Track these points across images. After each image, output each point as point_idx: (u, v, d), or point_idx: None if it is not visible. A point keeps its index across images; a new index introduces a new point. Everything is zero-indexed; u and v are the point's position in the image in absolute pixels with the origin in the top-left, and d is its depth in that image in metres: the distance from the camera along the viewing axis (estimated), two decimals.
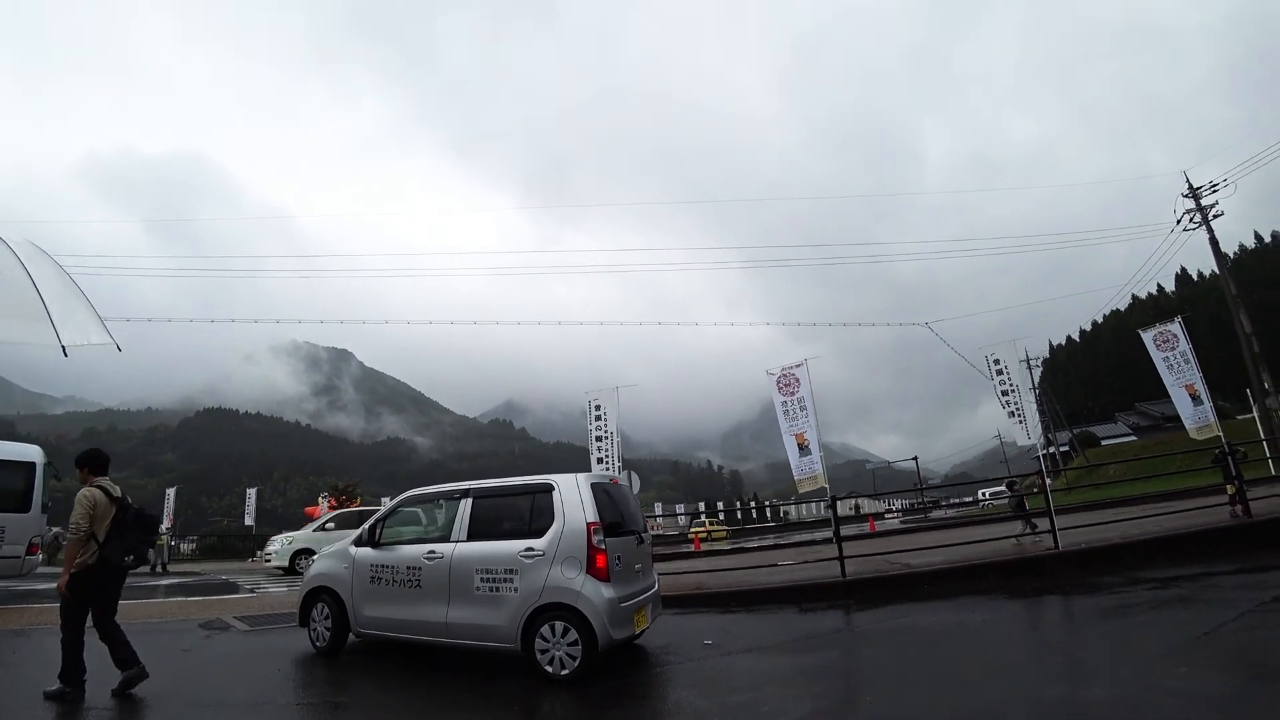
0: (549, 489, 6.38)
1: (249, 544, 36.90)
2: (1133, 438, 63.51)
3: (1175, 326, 13.58)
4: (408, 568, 6.70)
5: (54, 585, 5.87)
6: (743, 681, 5.78)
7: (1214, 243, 28.44)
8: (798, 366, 11.75)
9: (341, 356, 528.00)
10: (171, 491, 33.01)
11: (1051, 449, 60.76)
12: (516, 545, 6.17)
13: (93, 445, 6.52)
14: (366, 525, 7.41)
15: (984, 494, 55.77)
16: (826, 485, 11.26)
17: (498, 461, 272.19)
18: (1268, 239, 74.43)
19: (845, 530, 11.44)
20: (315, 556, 8.01)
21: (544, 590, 5.89)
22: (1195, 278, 74.68)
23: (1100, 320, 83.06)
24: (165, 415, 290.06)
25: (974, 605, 8.86)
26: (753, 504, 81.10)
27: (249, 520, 35.45)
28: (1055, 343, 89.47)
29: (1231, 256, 32.47)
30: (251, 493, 35.46)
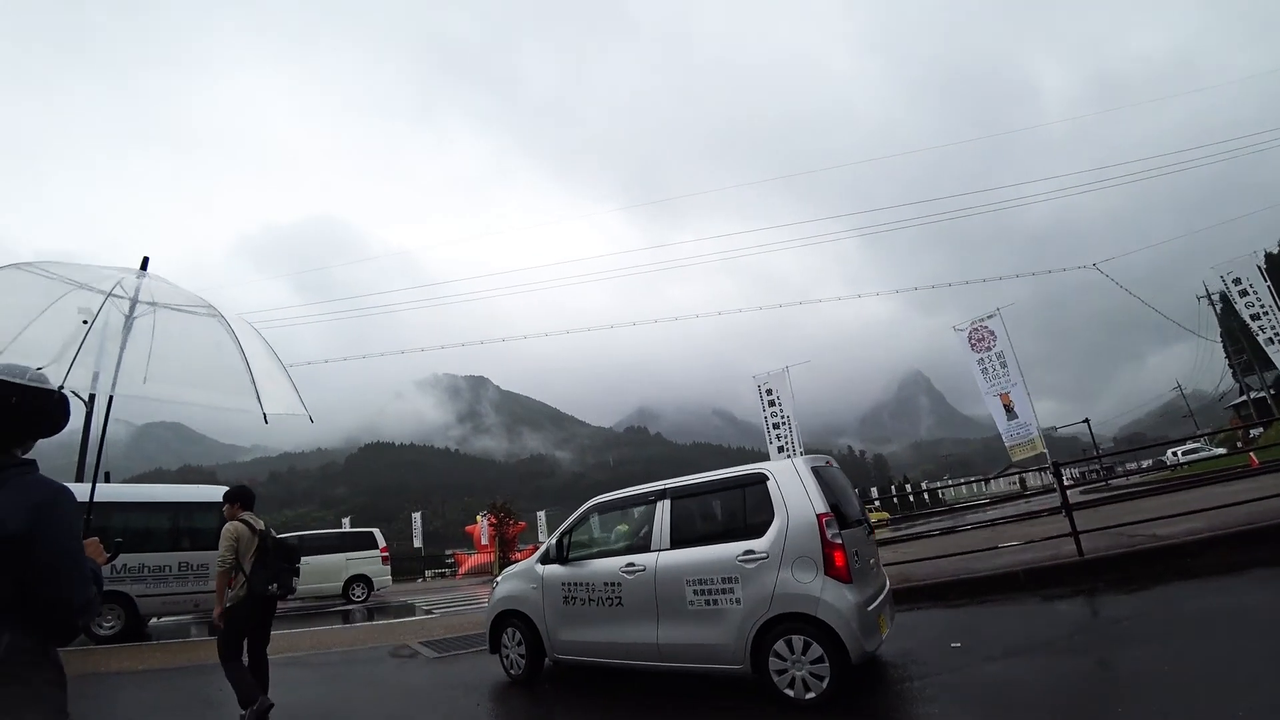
0: (762, 479, 5.42)
1: (418, 564, 39.11)
2: None
3: None
4: (605, 584, 5.97)
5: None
6: (1030, 696, 4.60)
7: None
8: (990, 318, 10.21)
9: (479, 383, 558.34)
10: (347, 520, 35.17)
11: (1254, 392, 53.26)
12: (732, 548, 5.26)
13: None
14: (551, 540, 6.75)
15: (1174, 454, 49.37)
16: (1045, 450, 9.67)
17: (639, 468, 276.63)
18: None
19: (1010, 509, 9.77)
20: (499, 577, 7.50)
21: (774, 599, 4.94)
22: None
23: None
24: (334, 454, 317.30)
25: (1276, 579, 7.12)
26: (908, 487, 76.88)
27: (417, 542, 37.21)
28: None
29: None
30: (416, 517, 37.24)
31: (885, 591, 5.80)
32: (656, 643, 5.54)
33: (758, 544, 5.15)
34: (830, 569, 4.84)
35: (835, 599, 4.77)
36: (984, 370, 10.15)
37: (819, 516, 4.98)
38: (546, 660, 6.61)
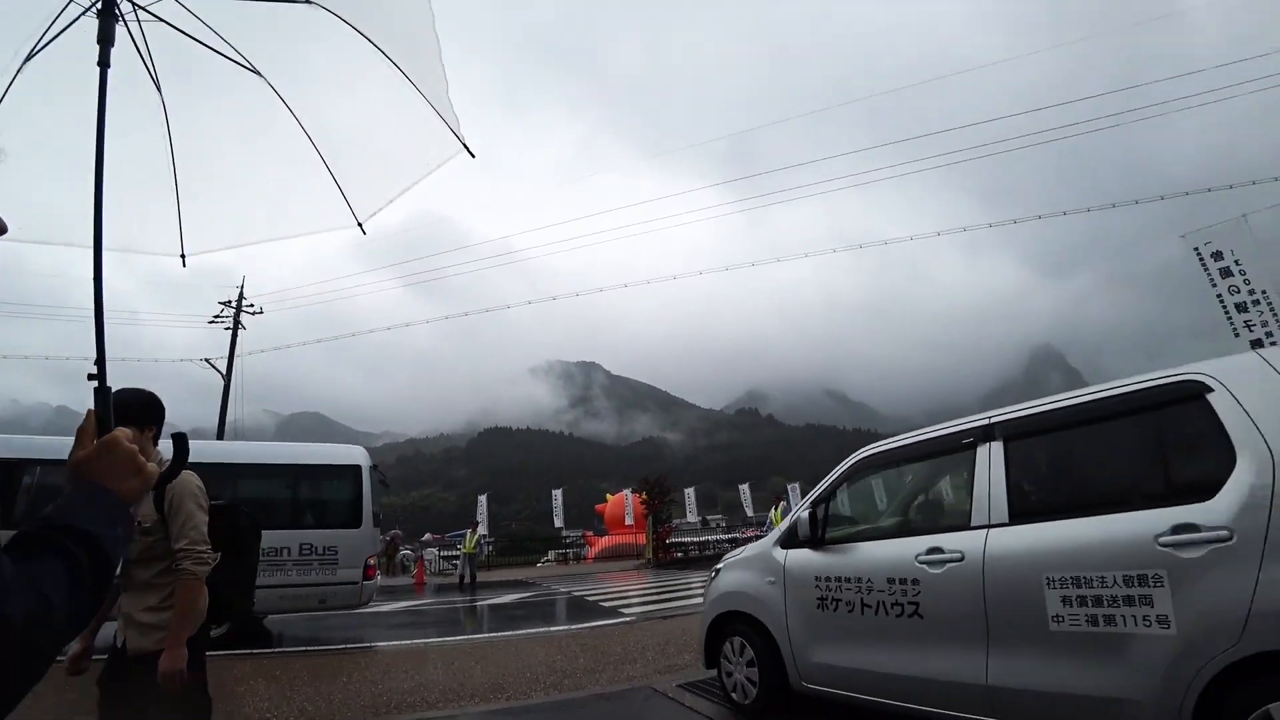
0: (1199, 393, 2.95)
1: (535, 545, 36.57)
2: None
3: None
4: (889, 581, 3.95)
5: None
6: None
7: None
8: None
9: (590, 369, 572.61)
10: (483, 498, 32.61)
11: None
12: (1145, 521, 2.92)
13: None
14: (799, 511, 4.70)
15: None
16: None
17: (751, 451, 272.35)
18: None
19: None
20: (721, 564, 5.63)
21: (1248, 624, 2.51)
22: None
23: None
24: (455, 439, 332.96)
25: None
26: None
27: (558, 521, 35.32)
28: None
29: None
30: (557, 494, 35.69)
31: None
32: (985, 683, 3.40)
33: (1203, 511, 2.77)
34: None
35: None
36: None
37: None
38: (790, 686, 4.69)
